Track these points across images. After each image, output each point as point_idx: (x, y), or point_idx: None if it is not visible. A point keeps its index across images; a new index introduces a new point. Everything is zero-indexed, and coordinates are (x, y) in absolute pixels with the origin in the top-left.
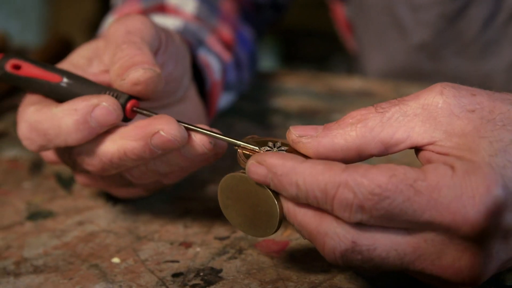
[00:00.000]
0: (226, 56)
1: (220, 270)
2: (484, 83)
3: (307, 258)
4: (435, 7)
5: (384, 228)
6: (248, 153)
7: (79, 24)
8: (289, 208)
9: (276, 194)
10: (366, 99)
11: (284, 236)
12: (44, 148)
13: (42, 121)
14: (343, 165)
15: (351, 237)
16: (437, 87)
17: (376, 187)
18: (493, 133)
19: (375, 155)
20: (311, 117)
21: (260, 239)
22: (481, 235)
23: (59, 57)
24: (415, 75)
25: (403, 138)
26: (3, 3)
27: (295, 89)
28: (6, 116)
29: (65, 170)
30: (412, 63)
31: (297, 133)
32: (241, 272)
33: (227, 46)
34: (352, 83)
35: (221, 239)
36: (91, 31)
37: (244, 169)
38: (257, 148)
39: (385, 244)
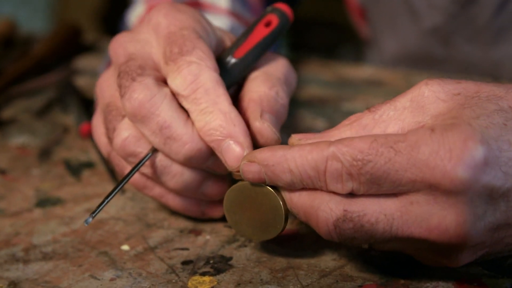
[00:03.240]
0: None
1: (230, 258)
2: (495, 70)
3: (317, 246)
4: None
5: (373, 195)
6: None
7: (87, 12)
8: (286, 195)
9: (275, 188)
10: (376, 87)
11: (295, 225)
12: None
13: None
14: (329, 141)
15: (342, 206)
16: (423, 81)
17: (359, 153)
18: (477, 104)
19: None
20: (320, 105)
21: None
22: (461, 189)
23: (68, 44)
24: (427, 60)
25: (395, 131)
26: None
27: (304, 77)
28: (14, 102)
29: (73, 157)
30: (424, 48)
31: (297, 137)
32: (251, 260)
33: None
34: (362, 71)
35: (231, 227)
36: (99, 18)
37: (239, 181)
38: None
39: (374, 210)
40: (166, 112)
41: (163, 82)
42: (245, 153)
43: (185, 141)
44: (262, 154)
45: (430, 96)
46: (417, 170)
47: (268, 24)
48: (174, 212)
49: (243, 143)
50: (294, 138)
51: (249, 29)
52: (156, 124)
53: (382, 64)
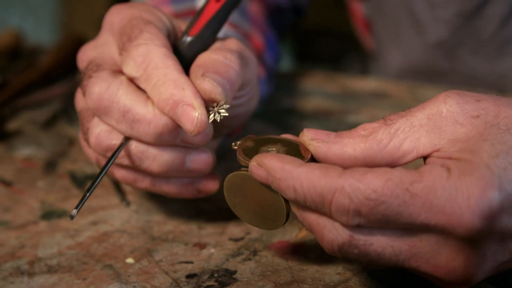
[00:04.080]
0: (261, 71)
1: (235, 272)
2: (500, 83)
3: (322, 260)
4: (452, 4)
5: (380, 228)
6: (247, 148)
7: (93, 22)
8: (292, 204)
9: None
10: (381, 100)
11: (299, 238)
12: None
13: None
14: (340, 169)
15: (349, 231)
16: (441, 96)
17: (372, 192)
18: (496, 136)
19: (383, 166)
20: (325, 117)
21: (275, 240)
22: (475, 237)
23: (73, 56)
24: (432, 73)
25: (410, 150)
26: (17, 1)
27: (309, 89)
28: (20, 114)
29: (78, 169)
30: (428, 61)
31: (309, 136)
32: (255, 273)
33: (259, 55)
34: (367, 83)
35: (235, 240)
36: None
37: (244, 166)
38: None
39: (381, 241)
40: (124, 98)
41: (121, 73)
42: (197, 114)
43: (149, 120)
44: (271, 163)
45: (448, 117)
46: (432, 215)
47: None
48: (179, 225)
49: (193, 103)
50: (306, 135)
51: (202, 7)
52: (118, 111)
53: (387, 76)
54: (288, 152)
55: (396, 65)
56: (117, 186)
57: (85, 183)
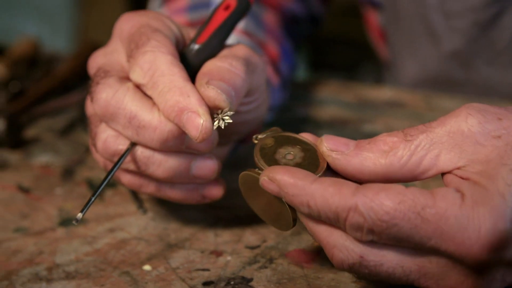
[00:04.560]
0: (274, 79)
1: (251, 279)
2: None
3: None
4: (468, 15)
5: (392, 245)
6: (266, 147)
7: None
8: (301, 217)
9: None
10: (396, 109)
11: (315, 246)
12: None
13: None
14: (353, 187)
15: (359, 252)
16: (463, 112)
17: (385, 213)
18: None
19: (402, 182)
20: (341, 126)
21: (291, 248)
22: (484, 267)
23: None
24: (447, 83)
25: (430, 166)
26: (34, 9)
27: (325, 98)
28: (38, 122)
29: (95, 176)
30: (444, 71)
31: (328, 146)
32: (271, 281)
33: (274, 64)
34: (382, 93)
35: (251, 248)
36: None
37: (258, 168)
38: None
39: (391, 261)
40: (130, 104)
41: (128, 80)
42: (201, 121)
43: (155, 126)
44: (284, 180)
45: (469, 137)
46: (442, 242)
47: (227, 8)
48: (195, 233)
49: (198, 110)
50: (325, 145)
51: (210, 16)
52: (124, 117)
53: (401, 86)
54: (305, 159)
55: (411, 74)
56: (134, 193)
57: (103, 191)
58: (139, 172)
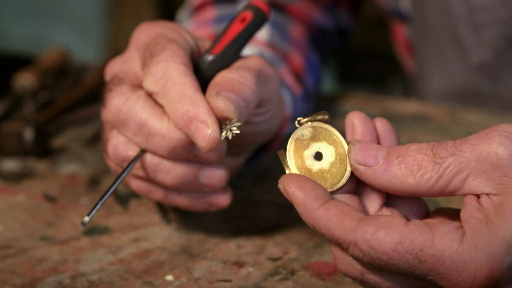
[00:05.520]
0: (297, 89)
1: None
2: None
3: None
4: (496, 27)
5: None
6: (301, 138)
7: None
8: None
9: None
10: (422, 122)
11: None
12: None
13: None
14: (356, 220)
15: (360, 270)
16: (495, 139)
17: (384, 253)
18: None
19: (430, 197)
20: None
21: (313, 260)
22: None
23: None
24: (474, 96)
25: (457, 188)
26: (65, 19)
27: (350, 111)
28: (65, 131)
29: (121, 186)
30: (471, 84)
31: (357, 160)
32: None
33: (298, 75)
34: (408, 106)
35: (273, 259)
36: None
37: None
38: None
39: (391, 281)
40: (141, 111)
41: (141, 88)
42: (210, 131)
43: (164, 134)
44: (295, 194)
45: (497, 167)
46: (439, 279)
47: (243, 20)
48: (218, 244)
49: (207, 121)
50: (353, 157)
51: (226, 27)
52: (134, 124)
53: (428, 98)
54: (332, 165)
55: (438, 87)
56: (159, 204)
57: (128, 200)
58: (148, 179)
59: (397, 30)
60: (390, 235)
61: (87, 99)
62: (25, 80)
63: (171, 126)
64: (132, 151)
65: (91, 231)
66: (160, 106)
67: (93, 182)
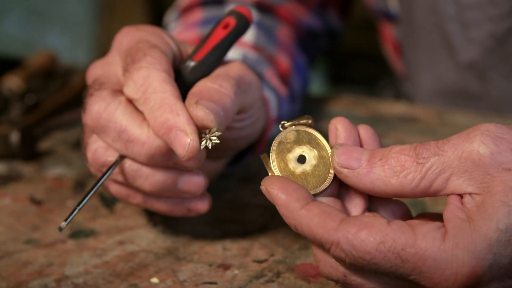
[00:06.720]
0: (282, 90)
1: None
2: None
3: None
4: (485, 25)
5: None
6: (285, 141)
7: None
8: None
9: None
10: (409, 124)
11: None
12: None
13: None
14: (338, 220)
15: (342, 272)
16: (477, 138)
17: (366, 253)
18: None
19: (413, 198)
20: None
21: (298, 262)
22: None
23: None
24: (463, 96)
25: (440, 188)
26: (55, 20)
27: (338, 113)
28: (52, 134)
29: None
30: (460, 83)
31: (340, 163)
32: None
33: (284, 77)
34: (395, 108)
35: (259, 262)
36: None
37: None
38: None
39: (374, 282)
40: (121, 118)
41: (122, 93)
42: (189, 140)
43: (143, 141)
44: (277, 196)
45: (479, 166)
46: (421, 278)
47: (226, 27)
48: (203, 246)
49: (186, 130)
50: (337, 161)
51: (209, 33)
52: (114, 130)
53: (418, 98)
54: (316, 168)
55: (427, 87)
56: None
57: (114, 203)
58: (127, 184)
59: (385, 31)
60: (372, 234)
61: (74, 102)
62: (12, 82)
63: (150, 134)
64: (112, 157)
65: (77, 234)
66: (140, 112)
67: (80, 185)
